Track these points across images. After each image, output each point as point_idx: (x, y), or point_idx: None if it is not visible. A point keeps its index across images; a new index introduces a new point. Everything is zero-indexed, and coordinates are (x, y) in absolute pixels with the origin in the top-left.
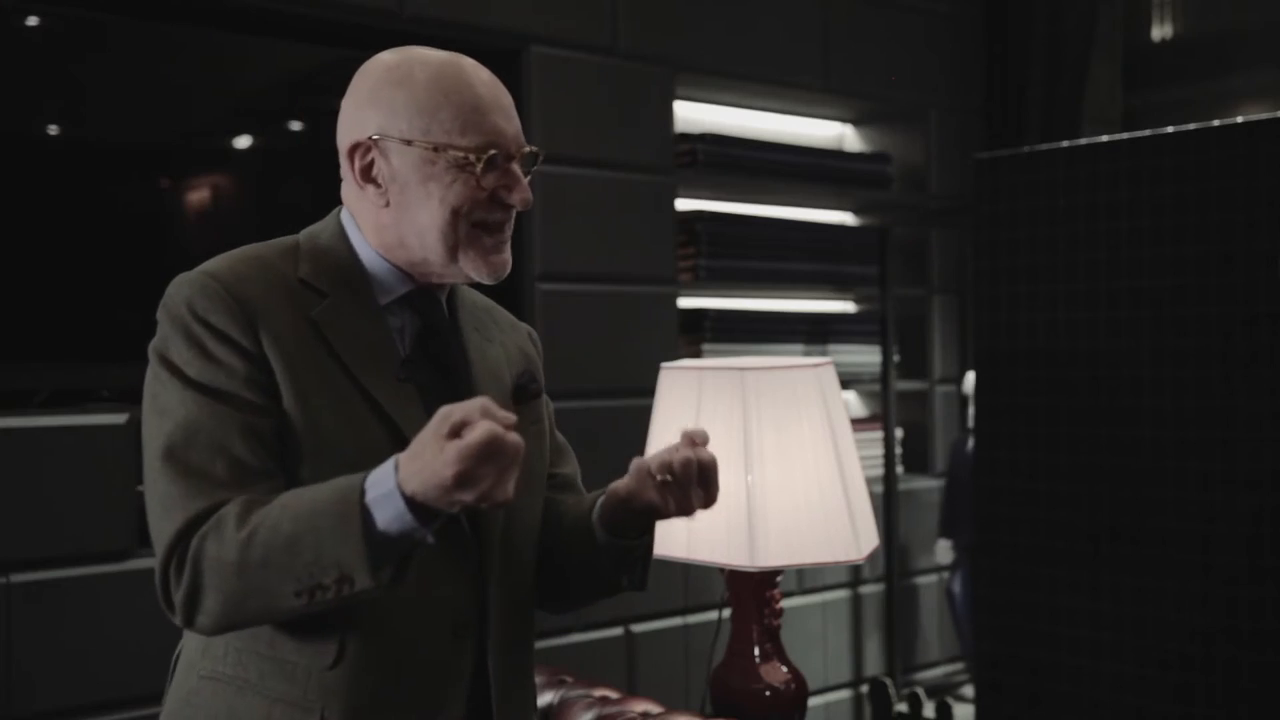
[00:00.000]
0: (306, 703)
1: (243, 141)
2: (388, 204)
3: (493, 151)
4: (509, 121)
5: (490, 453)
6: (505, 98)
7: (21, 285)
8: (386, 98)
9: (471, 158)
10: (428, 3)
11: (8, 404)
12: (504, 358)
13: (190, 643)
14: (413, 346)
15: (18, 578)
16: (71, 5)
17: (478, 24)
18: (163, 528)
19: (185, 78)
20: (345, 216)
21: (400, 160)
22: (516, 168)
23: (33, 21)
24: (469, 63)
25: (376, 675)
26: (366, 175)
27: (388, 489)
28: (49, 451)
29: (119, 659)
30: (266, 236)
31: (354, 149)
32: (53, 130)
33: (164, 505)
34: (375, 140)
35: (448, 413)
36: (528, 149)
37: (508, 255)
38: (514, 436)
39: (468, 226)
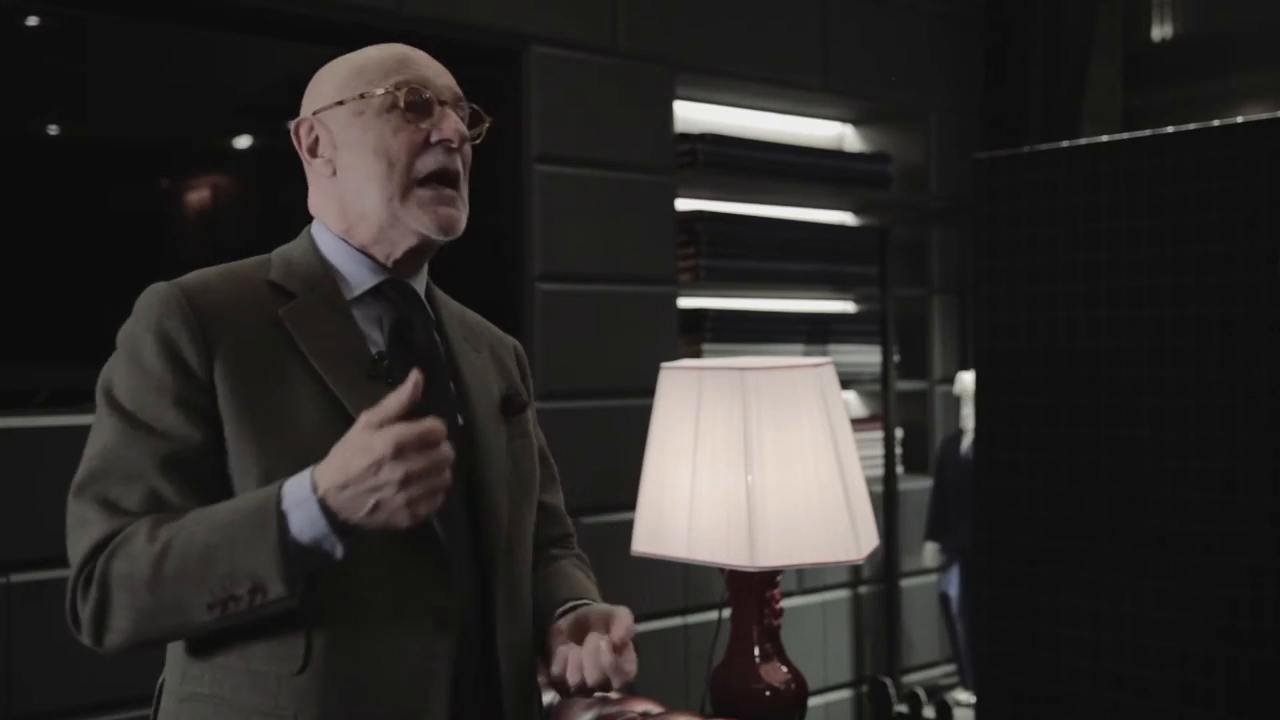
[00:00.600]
0: (279, 711)
1: (243, 141)
2: (334, 171)
3: (410, 88)
4: (438, 75)
5: (427, 442)
6: (438, 64)
7: (21, 285)
8: (323, 79)
9: (395, 93)
10: (427, 3)
11: (8, 404)
12: (492, 369)
13: (171, 669)
14: (389, 340)
15: (18, 578)
16: (72, 5)
17: (478, 24)
18: (74, 549)
19: (185, 78)
20: (314, 226)
21: (335, 122)
22: (447, 111)
23: (33, 21)
24: (405, 45)
25: (347, 677)
26: (314, 151)
27: (304, 494)
28: (49, 451)
29: (118, 659)
30: (266, 236)
31: (298, 128)
32: (52, 130)
33: (75, 526)
34: (315, 114)
35: (369, 414)
36: (465, 104)
37: (458, 210)
38: (448, 447)
39: (405, 179)
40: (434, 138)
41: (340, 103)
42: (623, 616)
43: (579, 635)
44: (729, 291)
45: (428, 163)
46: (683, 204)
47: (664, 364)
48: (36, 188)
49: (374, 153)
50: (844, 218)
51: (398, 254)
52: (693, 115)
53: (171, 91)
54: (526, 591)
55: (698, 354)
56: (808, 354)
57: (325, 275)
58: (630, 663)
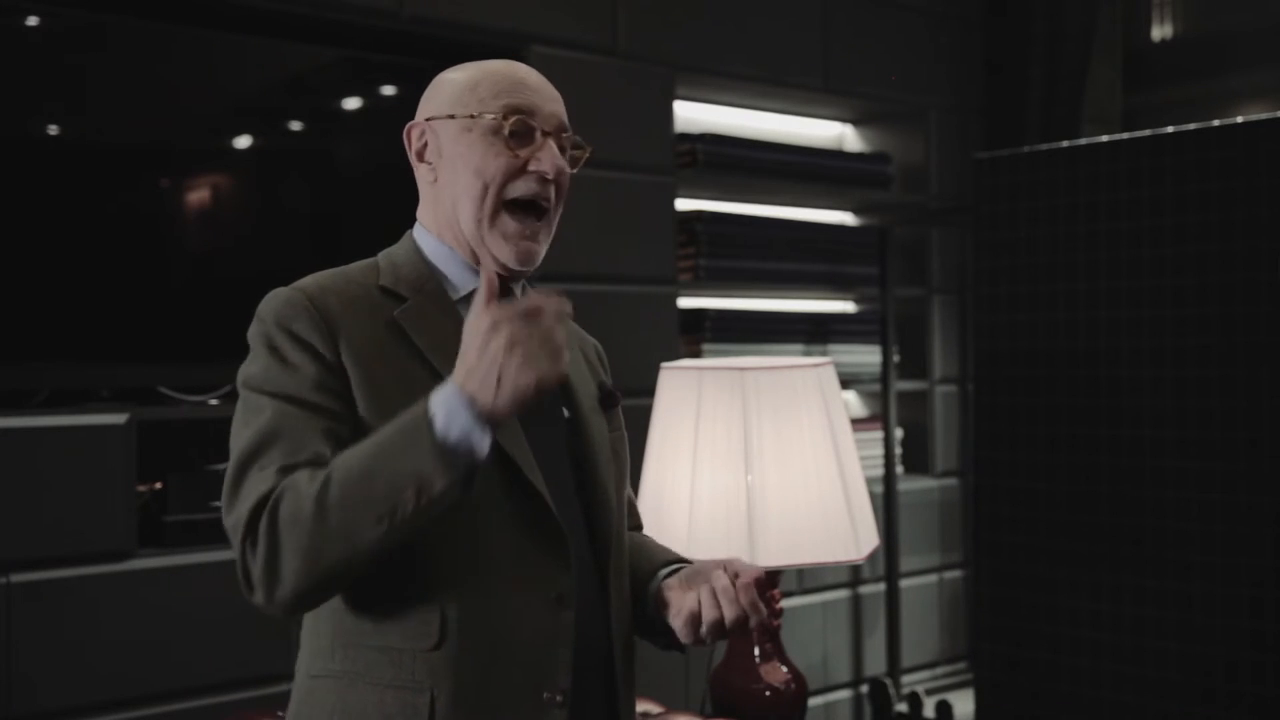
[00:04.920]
0: (416, 685)
1: (243, 141)
2: (436, 179)
3: (519, 116)
4: (548, 102)
5: (528, 313)
6: (550, 89)
7: (21, 285)
8: (440, 85)
9: (502, 120)
10: (428, 3)
11: (8, 404)
12: (585, 366)
13: (303, 651)
14: None
15: (18, 578)
16: (72, 5)
17: (478, 24)
18: (237, 513)
19: (185, 78)
20: (416, 230)
21: (444, 133)
22: (549, 143)
23: (33, 21)
24: (523, 64)
25: (479, 651)
26: (421, 155)
27: (447, 391)
28: (49, 451)
29: (119, 659)
30: (266, 237)
31: (409, 131)
32: (53, 130)
33: (235, 495)
34: (427, 121)
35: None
36: (569, 134)
37: (538, 244)
38: (550, 314)
39: (496, 202)
40: (531, 167)
41: (452, 116)
42: (741, 562)
43: (692, 587)
44: (729, 291)
45: (519, 189)
46: (683, 204)
47: (664, 364)
48: (36, 188)
49: (474, 172)
50: (844, 218)
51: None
52: (693, 115)
53: (171, 91)
54: (625, 570)
55: (698, 354)
56: (808, 354)
57: (431, 277)
58: (761, 602)
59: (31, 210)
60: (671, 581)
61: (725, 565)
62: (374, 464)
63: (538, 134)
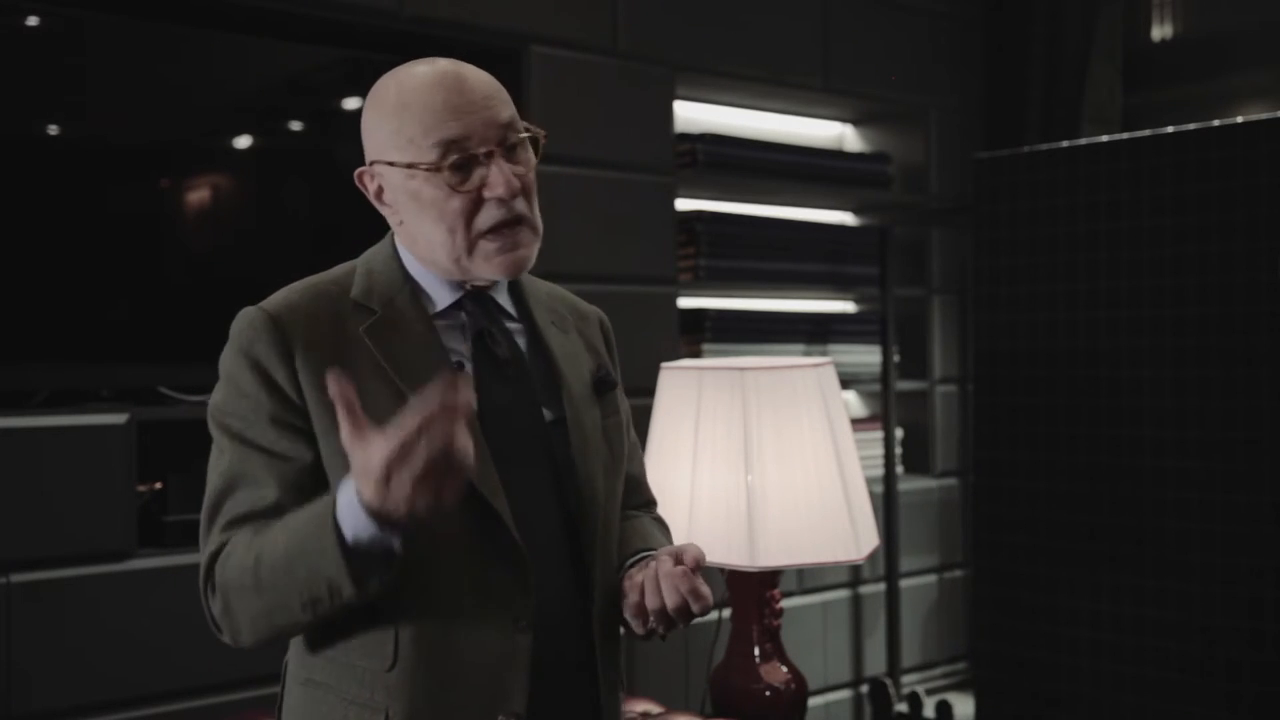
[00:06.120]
0: (374, 704)
1: (243, 141)
2: (401, 221)
3: (454, 156)
4: (479, 113)
5: (427, 427)
6: (478, 89)
7: (21, 285)
8: (372, 122)
9: (439, 164)
10: (428, 3)
11: (8, 404)
12: (581, 348)
13: (292, 655)
14: (473, 350)
15: (18, 578)
16: (72, 5)
17: (478, 24)
18: (202, 562)
19: (185, 78)
20: (399, 236)
21: (391, 180)
22: (496, 162)
23: (33, 21)
24: (438, 67)
25: (432, 674)
26: (380, 198)
27: (349, 498)
28: (49, 451)
29: (119, 659)
30: (266, 237)
31: (360, 176)
32: (53, 130)
33: (207, 542)
34: (372, 165)
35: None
36: (519, 137)
37: (524, 250)
38: (452, 424)
39: (467, 238)
40: (486, 194)
41: (390, 163)
42: (692, 546)
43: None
44: (729, 291)
45: (485, 220)
46: (683, 204)
47: (664, 364)
48: (36, 187)
49: (433, 219)
50: (844, 218)
51: (474, 284)
52: (693, 115)
53: (171, 91)
54: (614, 575)
55: (698, 354)
56: (808, 354)
57: (406, 289)
58: (704, 586)
59: (32, 210)
60: (632, 571)
61: (680, 552)
62: (292, 557)
63: (479, 160)
